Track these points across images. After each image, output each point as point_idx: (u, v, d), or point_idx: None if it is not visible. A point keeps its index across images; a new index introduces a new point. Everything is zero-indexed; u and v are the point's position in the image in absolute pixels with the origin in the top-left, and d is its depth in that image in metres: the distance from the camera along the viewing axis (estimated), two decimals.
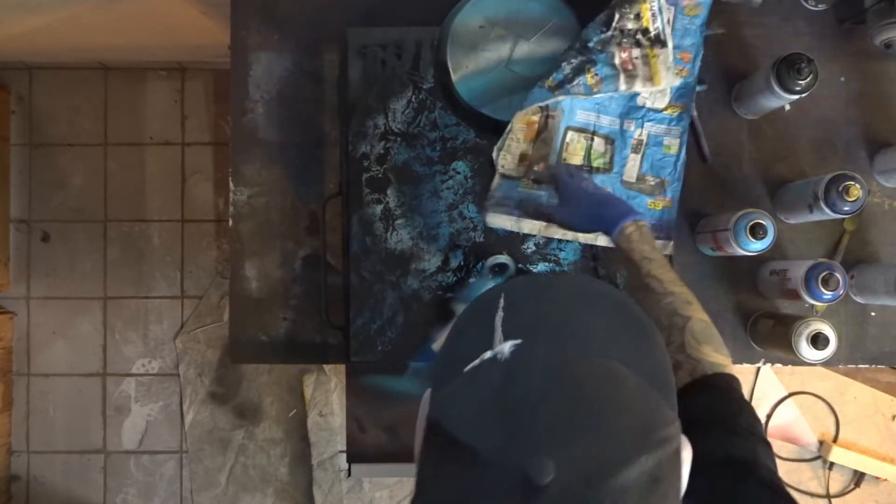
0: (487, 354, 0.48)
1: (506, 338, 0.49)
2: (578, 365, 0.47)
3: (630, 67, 0.98)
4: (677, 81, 1.04)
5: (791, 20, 1.18)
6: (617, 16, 0.97)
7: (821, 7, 1.17)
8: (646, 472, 0.43)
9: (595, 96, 1.01)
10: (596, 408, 0.45)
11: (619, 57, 0.98)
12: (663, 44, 0.97)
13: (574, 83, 0.99)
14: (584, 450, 0.42)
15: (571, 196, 0.99)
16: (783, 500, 0.61)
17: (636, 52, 0.98)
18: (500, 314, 0.51)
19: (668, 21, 0.99)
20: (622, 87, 0.98)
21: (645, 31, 0.97)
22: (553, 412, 0.44)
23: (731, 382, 0.74)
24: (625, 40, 0.97)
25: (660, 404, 0.48)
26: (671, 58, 1.00)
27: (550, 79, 1.00)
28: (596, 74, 0.98)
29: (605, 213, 0.93)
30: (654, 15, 0.97)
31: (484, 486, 0.43)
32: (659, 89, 1.01)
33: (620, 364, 0.48)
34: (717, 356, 0.77)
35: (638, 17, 0.96)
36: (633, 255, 0.87)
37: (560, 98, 1.00)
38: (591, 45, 0.98)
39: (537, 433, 0.43)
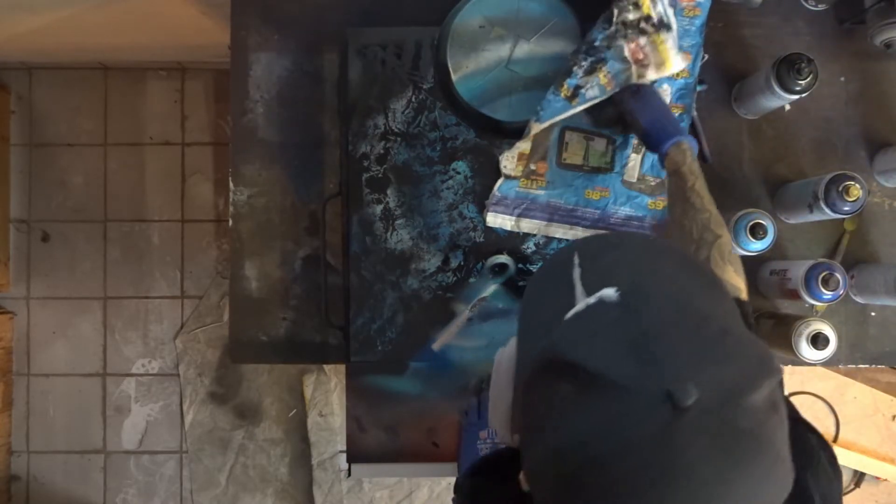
0: (591, 300, 0.51)
1: (587, 291, 0.52)
2: (691, 302, 0.51)
3: (640, 57, 0.97)
4: (687, 62, 1.03)
5: (791, 20, 1.18)
6: (616, 10, 0.96)
7: (821, 7, 1.17)
8: (766, 396, 0.48)
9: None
10: (718, 338, 0.49)
11: (628, 49, 0.97)
12: (668, 27, 0.97)
13: (588, 86, 0.98)
14: (717, 373, 0.46)
15: (645, 98, 0.98)
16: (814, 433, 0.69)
17: (643, 40, 0.97)
18: (577, 270, 0.54)
19: (669, 3, 0.98)
20: (634, 77, 0.97)
21: (647, 18, 0.97)
22: (682, 342, 0.48)
23: (745, 307, 0.78)
24: (629, 32, 0.96)
25: (756, 337, 0.52)
26: (677, 39, 0.99)
27: (565, 87, 0.99)
28: (608, 73, 0.98)
29: (666, 126, 0.96)
30: (653, 0, 0.96)
31: (628, 411, 0.46)
32: (670, 72, 1.00)
33: (706, 306, 0.52)
34: (737, 279, 0.81)
35: (637, 5, 0.96)
36: (683, 168, 0.91)
37: (578, 109, 1.00)
38: (597, 44, 0.98)
39: (672, 361, 0.47)
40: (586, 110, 1.02)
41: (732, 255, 0.83)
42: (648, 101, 0.98)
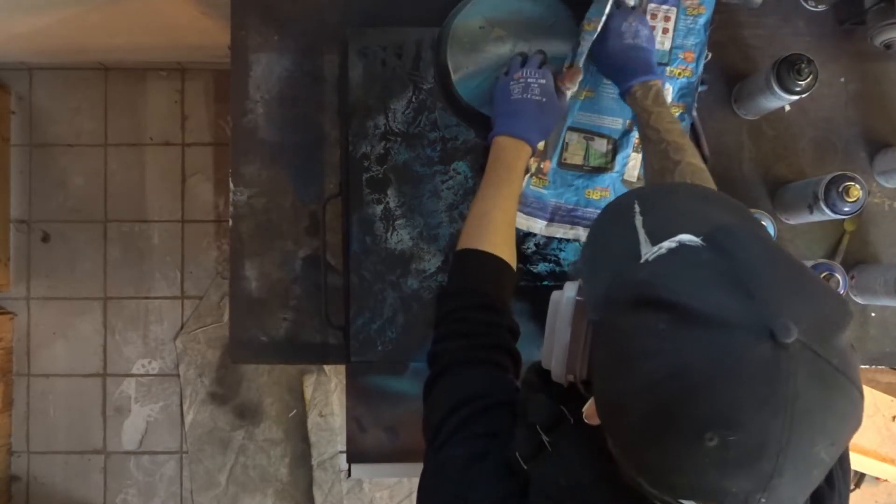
0: (670, 244, 0.54)
1: (651, 237, 0.55)
2: (772, 243, 0.55)
3: None
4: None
5: (791, 20, 1.18)
6: None
7: (821, 7, 1.17)
8: (849, 337, 0.52)
9: (595, 98, 1.02)
10: (806, 279, 0.53)
11: None
12: None
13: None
14: (812, 311, 0.50)
15: (613, 34, 0.99)
16: None
17: None
18: (638, 217, 0.57)
19: None
20: None
21: None
22: (777, 280, 0.51)
23: None
24: None
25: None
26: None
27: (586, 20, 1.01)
28: None
29: (626, 66, 0.97)
30: None
31: (730, 344, 0.48)
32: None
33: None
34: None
35: None
36: (635, 109, 0.95)
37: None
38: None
39: (770, 297, 0.49)
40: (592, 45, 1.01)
41: (698, 176, 0.86)
42: (620, 32, 0.99)
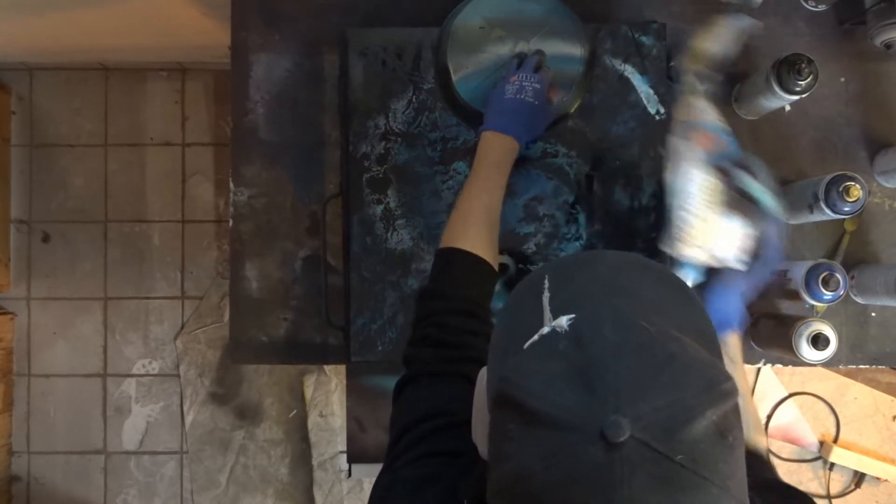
0: (545, 329, 0.51)
1: (555, 315, 0.51)
2: (639, 328, 0.49)
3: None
4: None
5: (791, 20, 1.18)
6: None
7: (821, 7, 1.17)
8: (713, 424, 0.46)
9: None
10: (662, 366, 0.47)
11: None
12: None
13: None
14: (654, 405, 0.45)
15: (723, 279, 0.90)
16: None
17: None
18: (546, 294, 0.53)
19: None
20: None
21: None
22: (623, 372, 0.47)
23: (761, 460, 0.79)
24: None
25: (714, 361, 0.50)
26: None
27: None
28: None
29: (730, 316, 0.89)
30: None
31: (565, 447, 0.45)
32: None
33: (673, 327, 0.50)
34: (752, 439, 0.79)
35: None
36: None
37: None
38: None
39: (610, 393, 0.46)
40: None
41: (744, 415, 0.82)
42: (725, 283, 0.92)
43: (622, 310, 0.51)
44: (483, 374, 0.60)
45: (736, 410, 0.48)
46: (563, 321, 0.50)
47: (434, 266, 0.90)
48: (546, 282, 0.55)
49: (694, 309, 0.55)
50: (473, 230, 0.89)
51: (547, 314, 0.52)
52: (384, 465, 0.72)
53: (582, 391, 0.46)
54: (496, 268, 0.90)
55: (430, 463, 0.68)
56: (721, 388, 0.47)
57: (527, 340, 0.51)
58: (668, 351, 0.48)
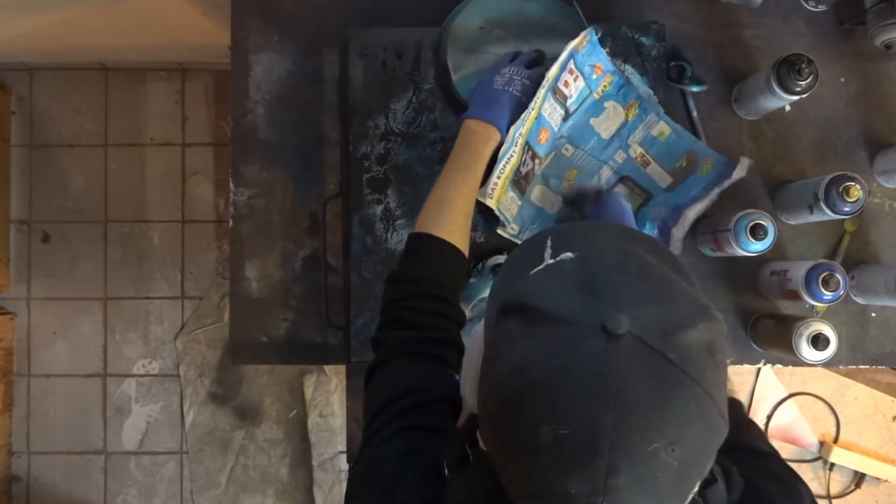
0: (551, 260, 0.55)
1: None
2: (639, 256, 0.55)
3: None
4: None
5: (791, 21, 1.18)
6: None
7: (821, 8, 1.17)
8: (704, 339, 0.50)
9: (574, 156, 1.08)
10: (660, 285, 0.53)
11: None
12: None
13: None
14: (652, 311, 0.50)
15: (603, 204, 1.06)
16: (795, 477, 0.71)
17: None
18: (548, 251, 0.56)
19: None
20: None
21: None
22: (627, 282, 0.52)
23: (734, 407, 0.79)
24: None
25: (706, 301, 0.54)
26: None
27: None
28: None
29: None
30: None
31: (566, 339, 0.49)
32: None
33: (670, 272, 0.55)
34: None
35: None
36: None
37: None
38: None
39: (614, 296, 0.50)
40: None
41: None
42: (606, 207, 1.01)
43: (624, 246, 0.55)
44: (478, 327, 0.62)
45: (723, 338, 0.53)
46: (570, 254, 0.54)
47: (406, 250, 0.90)
48: (549, 242, 0.57)
49: (685, 276, 0.58)
50: (448, 217, 0.90)
51: (548, 259, 0.55)
52: (362, 443, 0.72)
53: (587, 296, 0.51)
54: (467, 255, 0.91)
55: (412, 437, 0.69)
56: (712, 313, 0.52)
57: (532, 271, 0.55)
58: (665, 275, 0.54)
